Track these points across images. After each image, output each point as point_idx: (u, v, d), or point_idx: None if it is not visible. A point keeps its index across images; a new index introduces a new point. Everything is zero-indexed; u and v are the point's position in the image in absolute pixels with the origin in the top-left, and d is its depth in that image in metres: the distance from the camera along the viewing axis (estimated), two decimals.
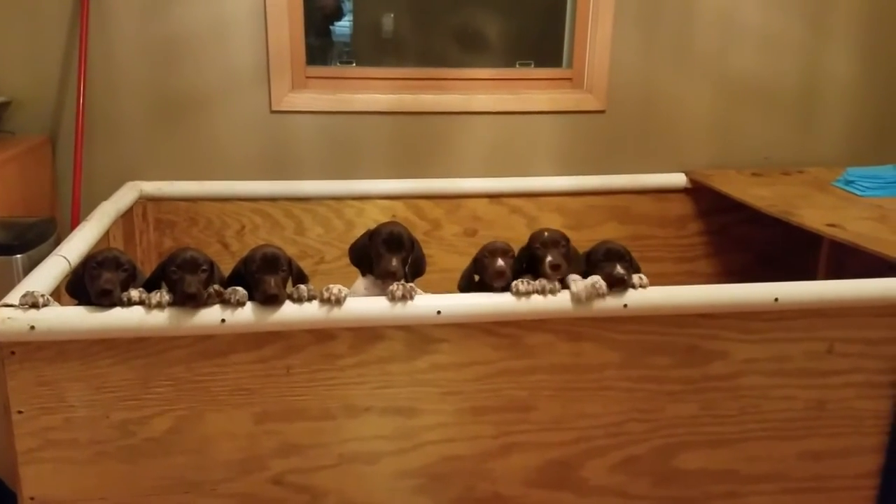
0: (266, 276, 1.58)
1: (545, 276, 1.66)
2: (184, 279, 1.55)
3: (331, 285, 1.59)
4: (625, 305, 1.65)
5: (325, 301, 1.58)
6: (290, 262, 1.65)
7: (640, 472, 1.79)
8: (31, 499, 1.60)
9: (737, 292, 1.71)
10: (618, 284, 1.65)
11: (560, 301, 1.65)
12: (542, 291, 1.64)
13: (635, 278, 1.68)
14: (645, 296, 1.67)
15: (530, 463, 1.76)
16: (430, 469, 1.72)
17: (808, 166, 2.96)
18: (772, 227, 2.82)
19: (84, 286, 1.57)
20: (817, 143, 3.00)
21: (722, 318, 1.71)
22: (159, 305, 1.53)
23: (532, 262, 1.73)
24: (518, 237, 2.79)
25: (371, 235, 1.76)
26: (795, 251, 2.93)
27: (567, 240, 1.73)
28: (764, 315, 1.72)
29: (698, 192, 2.87)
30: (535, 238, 1.74)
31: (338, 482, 1.70)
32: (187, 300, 1.53)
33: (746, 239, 2.95)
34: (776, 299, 1.69)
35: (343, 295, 1.58)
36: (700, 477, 1.82)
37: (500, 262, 1.69)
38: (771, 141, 2.97)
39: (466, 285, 1.80)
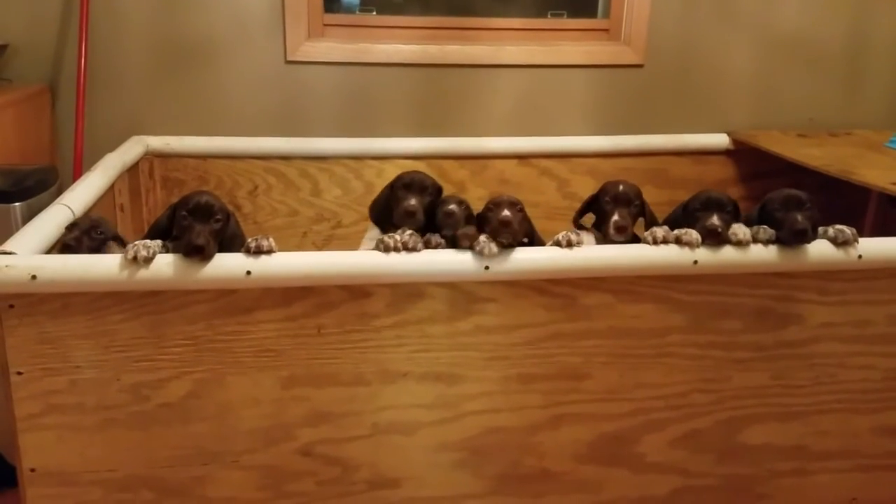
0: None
1: (608, 236, 1.51)
2: (193, 228, 1.40)
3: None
4: (695, 262, 1.49)
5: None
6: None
7: (703, 447, 1.66)
8: (32, 470, 1.48)
9: (817, 249, 1.56)
10: (712, 237, 1.50)
11: (621, 257, 1.49)
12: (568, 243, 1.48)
13: (739, 231, 1.52)
14: (717, 252, 1.51)
15: (582, 436, 1.63)
16: (472, 442, 1.60)
17: (854, 128, 2.80)
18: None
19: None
20: (865, 104, 2.84)
21: (799, 277, 1.57)
22: (146, 260, 1.35)
23: (599, 217, 1.57)
24: (548, 201, 2.69)
25: (391, 184, 1.71)
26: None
27: (641, 197, 1.57)
28: (845, 274, 1.58)
29: (740, 154, 2.72)
30: (606, 191, 1.57)
31: (371, 454, 1.58)
32: (193, 252, 1.37)
33: None
34: (860, 256, 1.55)
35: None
36: (767, 453, 1.69)
37: (506, 211, 1.51)
38: (816, 101, 2.81)
39: None
